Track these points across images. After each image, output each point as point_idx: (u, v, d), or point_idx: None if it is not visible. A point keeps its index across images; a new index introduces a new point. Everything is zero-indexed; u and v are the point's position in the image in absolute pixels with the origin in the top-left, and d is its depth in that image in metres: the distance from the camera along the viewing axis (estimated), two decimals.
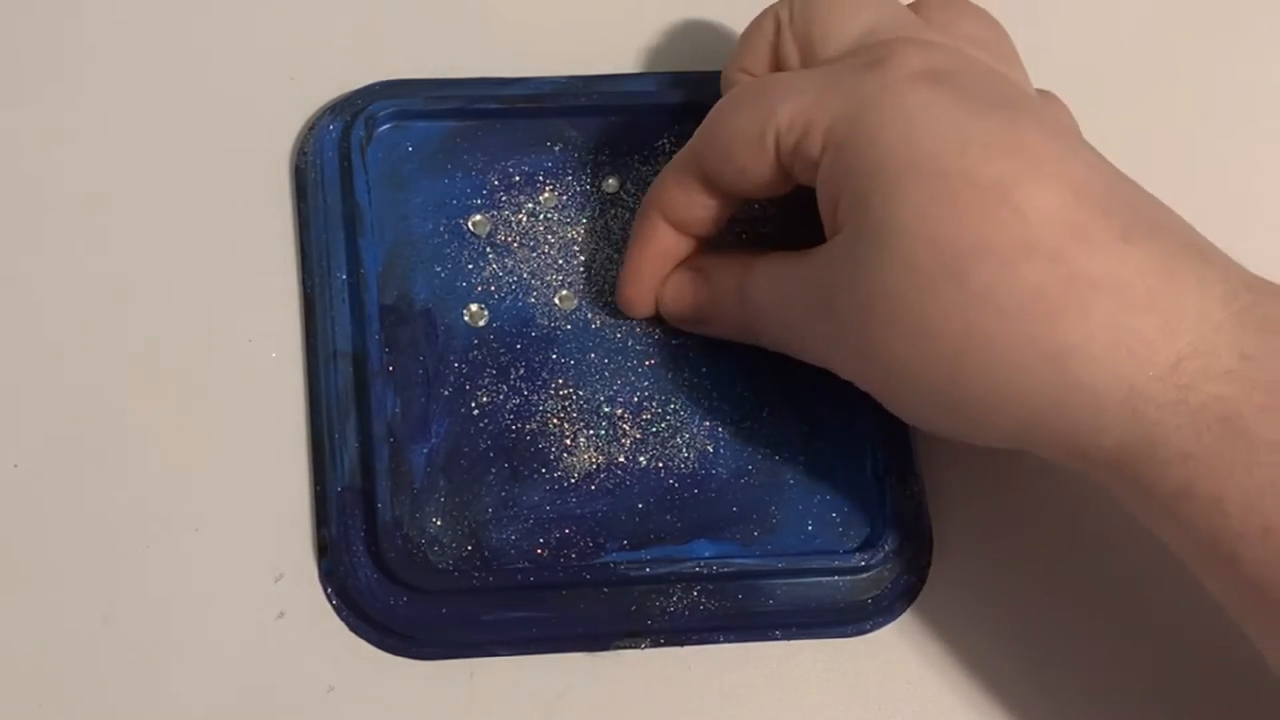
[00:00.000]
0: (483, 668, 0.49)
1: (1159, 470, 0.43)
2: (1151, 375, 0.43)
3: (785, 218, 0.51)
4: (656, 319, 0.52)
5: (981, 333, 0.44)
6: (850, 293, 0.46)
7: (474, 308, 0.52)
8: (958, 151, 0.44)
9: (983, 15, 0.50)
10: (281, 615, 0.49)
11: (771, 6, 0.51)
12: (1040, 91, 0.50)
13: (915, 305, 0.44)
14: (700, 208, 0.50)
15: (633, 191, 0.54)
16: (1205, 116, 0.59)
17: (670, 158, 0.54)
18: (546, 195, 0.54)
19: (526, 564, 0.49)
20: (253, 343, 0.51)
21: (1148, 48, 0.60)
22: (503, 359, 0.52)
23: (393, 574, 0.48)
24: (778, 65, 0.51)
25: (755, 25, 0.51)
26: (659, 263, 0.51)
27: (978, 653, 0.50)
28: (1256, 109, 0.59)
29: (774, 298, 0.49)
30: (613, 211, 0.54)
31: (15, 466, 0.49)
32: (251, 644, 0.48)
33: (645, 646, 0.49)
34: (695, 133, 0.50)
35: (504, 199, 0.53)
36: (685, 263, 0.52)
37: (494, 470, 0.50)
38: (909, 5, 0.50)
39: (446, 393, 0.51)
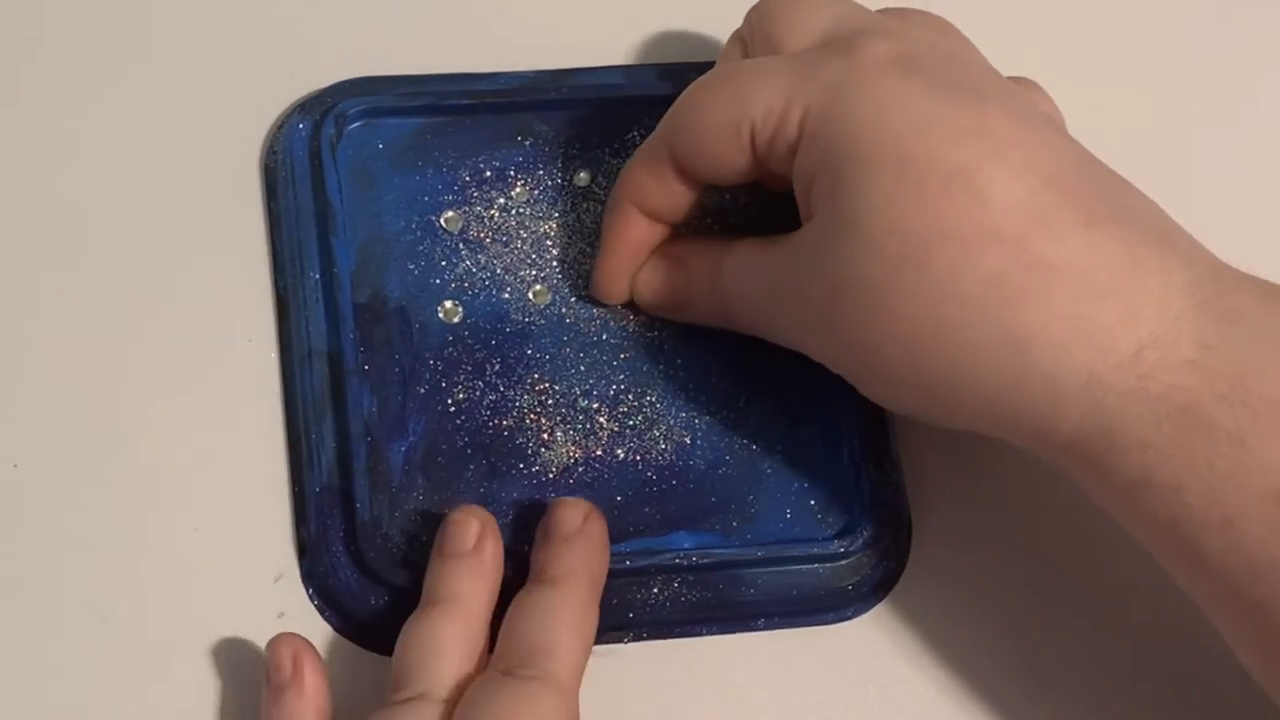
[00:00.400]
0: None
1: (1118, 458, 0.43)
2: (1111, 363, 0.43)
3: (759, 205, 0.52)
4: (632, 311, 0.52)
5: (944, 317, 0.44)
6: (819, 277, 0.46)
7: (448, 304, 0.52)
8: (922, 136, 0.45)
9: (933, 15, 0.50)
10: (281, 615, 0.49)
11: (735, 30, 0.51)
12: (1018, 79, 0.50)
13: (880, 290, 0.45)
14: (672, 195, 0.50)
15: (604, 185, 0.54)
16: (1202, 114, 0.59)
17: None
18: (518, 190, 0.54)
19: (507, 560, 0.49)
20: (252, 342, 0.52)
21: (1145, 45, 0.60)
22: (478, 355, 0.52)
23: (373, 573, 0.48)
24: None
25: (724, 53, 0.52)
26: (633, 252, 0.51)
27: (958, 637, 0.50)
28: (1254, 105, 0.59)
29: (747, 282, 0.49)
30: (585, 205, 0.54)
31: (15, 466, 0.49)
32: (251, 643, 0.48)
33: (628, 640, 0.49)
34: (663, 119, 0.50)
35: (476, 195, 0.53)
36: (660, 249, 0.52)
37: (472, 467, 0.50)
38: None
39: (423, 390, 0.51)
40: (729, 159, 0.48)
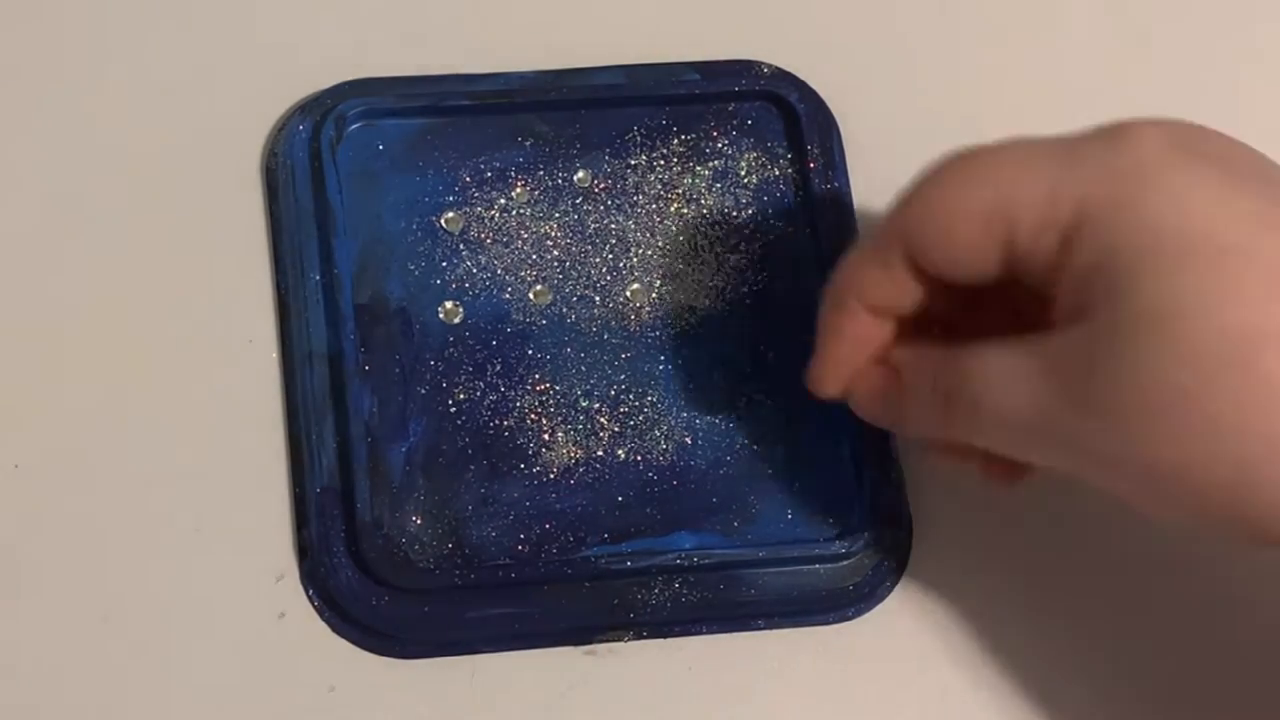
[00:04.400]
0: (484, 666, 0.49)
1: None
2: None
3: (968, 304, 0.47)
4: (632, 311, 0.52)
5: (1274, 430, 0.40)
6: (1109, 387, 0.41)
7: (449, 305, 0.52)
8: (1232, 227, 0.41)
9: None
10: (282, 616, 0.49)
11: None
12: None
13: (1196, 400, 0.40)
14: (904, 291, 0.46)
15: (603, 185, 0.54)
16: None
17: (641, 149, 0.54)
18: (518, 190, 0.54)
19: (507, 560, 0.49)
20: (252, 343, 0.52)
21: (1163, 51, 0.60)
22: (479, 356, 0.52)
23: (374, 574, 0.48)
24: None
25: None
26: (855, 350, 0.47)
27: (958, 638, 0.50)
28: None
29: (1008, 396, 0.43)
30: (585, 205, 0.54)
31: (15, 467, 0.49)
32: (251, 644, 0.48)
33: (629, 639, 0.49)
34: (898, 206, 0.45)
35: (476, 195, 0.53)
36: (878, 358, 0.47)
37: (473, 467, 0.50)
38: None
39: (423, 391, 0.51)
40: (978, 250, 0.44)
